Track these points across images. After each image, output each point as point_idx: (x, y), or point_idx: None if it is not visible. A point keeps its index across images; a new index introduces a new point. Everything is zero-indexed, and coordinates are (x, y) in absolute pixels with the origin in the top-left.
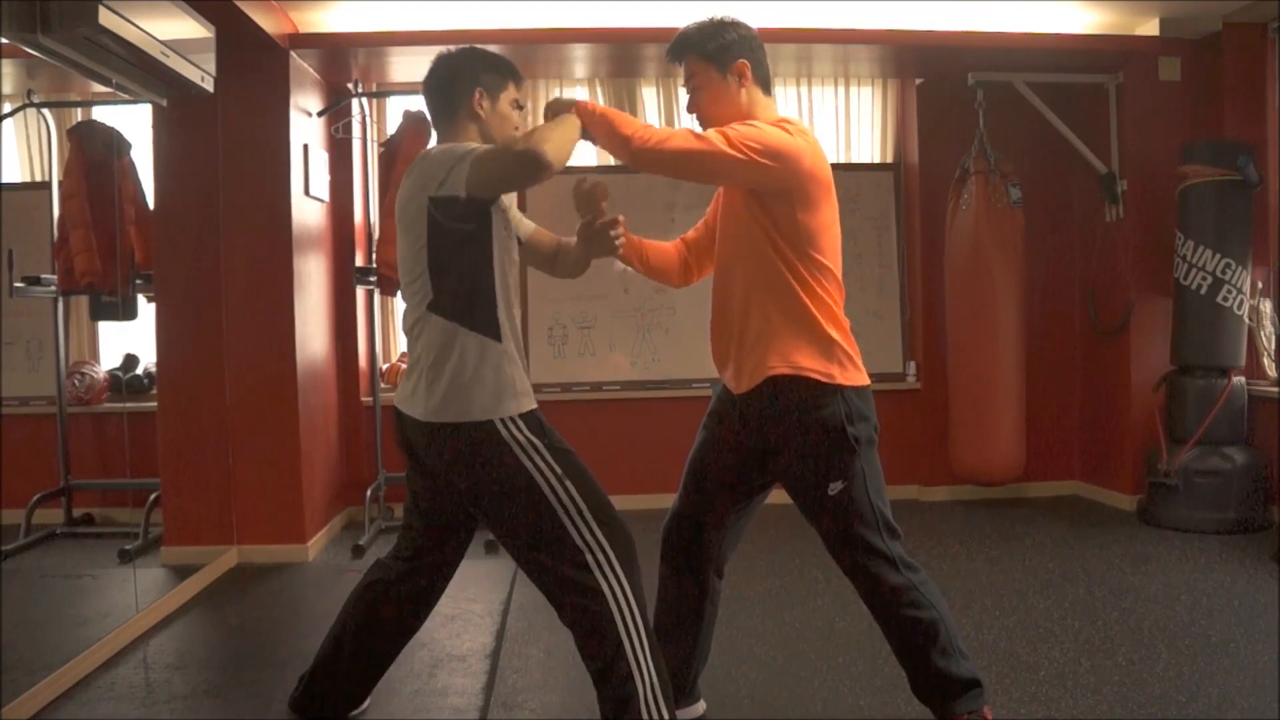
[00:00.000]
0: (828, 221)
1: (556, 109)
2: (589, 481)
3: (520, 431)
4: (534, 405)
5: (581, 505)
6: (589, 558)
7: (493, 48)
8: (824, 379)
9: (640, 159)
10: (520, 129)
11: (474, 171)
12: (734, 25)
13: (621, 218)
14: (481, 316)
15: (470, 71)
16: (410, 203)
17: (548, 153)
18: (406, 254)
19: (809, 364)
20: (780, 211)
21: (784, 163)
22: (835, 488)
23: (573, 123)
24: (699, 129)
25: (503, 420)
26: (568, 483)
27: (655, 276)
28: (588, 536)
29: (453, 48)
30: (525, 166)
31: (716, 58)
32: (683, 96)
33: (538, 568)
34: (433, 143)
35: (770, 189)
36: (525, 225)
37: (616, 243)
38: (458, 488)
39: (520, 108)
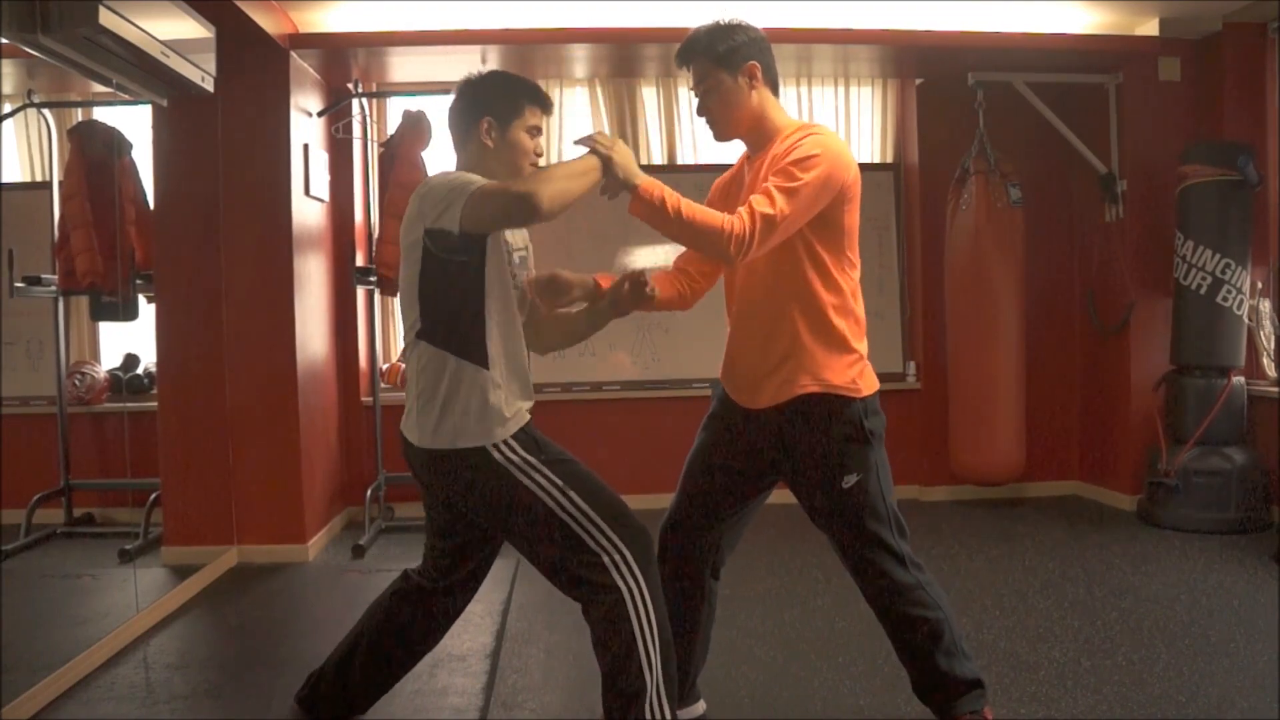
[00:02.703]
0: (858, 219)
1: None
2: (594, 487)
3: (515, 453)
4: (525, 422)
5: (589, 512)
6: (605, 559)
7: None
8: (852, 394)
9: (746, 257)
10: (537, 156)
11: (470, 207)
12: (742, 27)
13: (644, 272)
14: (470, 344)
15: (480, 100)
16: (410, 231)
17: (543, 199)
18: (404, 279)
19: (838, 381)
20: (830, 215)
21: (835, 174)
22: (850, 480)
23: (588, 170)
24: (710, 133)
25: (494, 445)
26: (570, 493)
27: (665, 309)
28: (602, 540)
29: (475, 73)
30: (520, 210)
31: (726, 60)
32: (684, 97)
33: (557, 573)
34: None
35: (829, 202)
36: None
37: (649, 292)
38: (466, 509)
39: (538, 133)
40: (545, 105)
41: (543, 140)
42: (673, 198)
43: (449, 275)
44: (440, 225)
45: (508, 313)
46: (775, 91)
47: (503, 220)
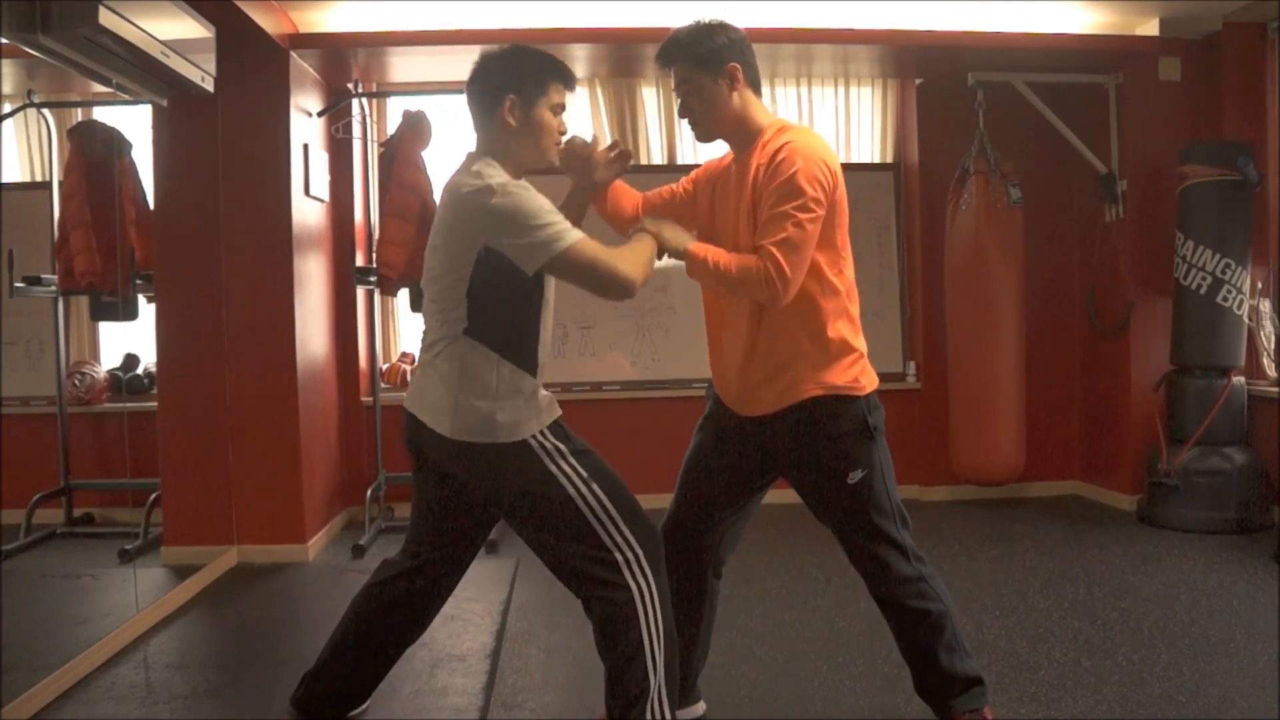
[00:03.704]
0: (846, 212)
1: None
2: (615, 483)
3: (546, 439)
4: (557, 415)
5: (609, 506)
6: (618, 556)
7: (493, 48)
8: (855, 392)
9: (790, 294)
10: (561, 134)
11: (557, 266)
12: (723, 28)
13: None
14: (522, 351)
15: (504, 77)
16: (459, 234)
17: (638, 286)
18: (441, 271)
19: (841, 381)
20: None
21: (829, 184)
22: (855, 476)
23: (653, 252)
24: (691, 135)
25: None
26: (593, 485)
27: (611, 223)
28: (616, 537)
29: (497, 47)
30: (618, 290)
31: (707, 62)
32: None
33: (566, 567)
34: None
35: None
36: None
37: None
38: (479, 494)
39: (562, 111)
40: (570, 82)
41: (566, 118)
42: (713, 256)
43: (506, 283)
44: (515, 256)
45: (549, 319)
46: (757, 91)
47: (589, 286)
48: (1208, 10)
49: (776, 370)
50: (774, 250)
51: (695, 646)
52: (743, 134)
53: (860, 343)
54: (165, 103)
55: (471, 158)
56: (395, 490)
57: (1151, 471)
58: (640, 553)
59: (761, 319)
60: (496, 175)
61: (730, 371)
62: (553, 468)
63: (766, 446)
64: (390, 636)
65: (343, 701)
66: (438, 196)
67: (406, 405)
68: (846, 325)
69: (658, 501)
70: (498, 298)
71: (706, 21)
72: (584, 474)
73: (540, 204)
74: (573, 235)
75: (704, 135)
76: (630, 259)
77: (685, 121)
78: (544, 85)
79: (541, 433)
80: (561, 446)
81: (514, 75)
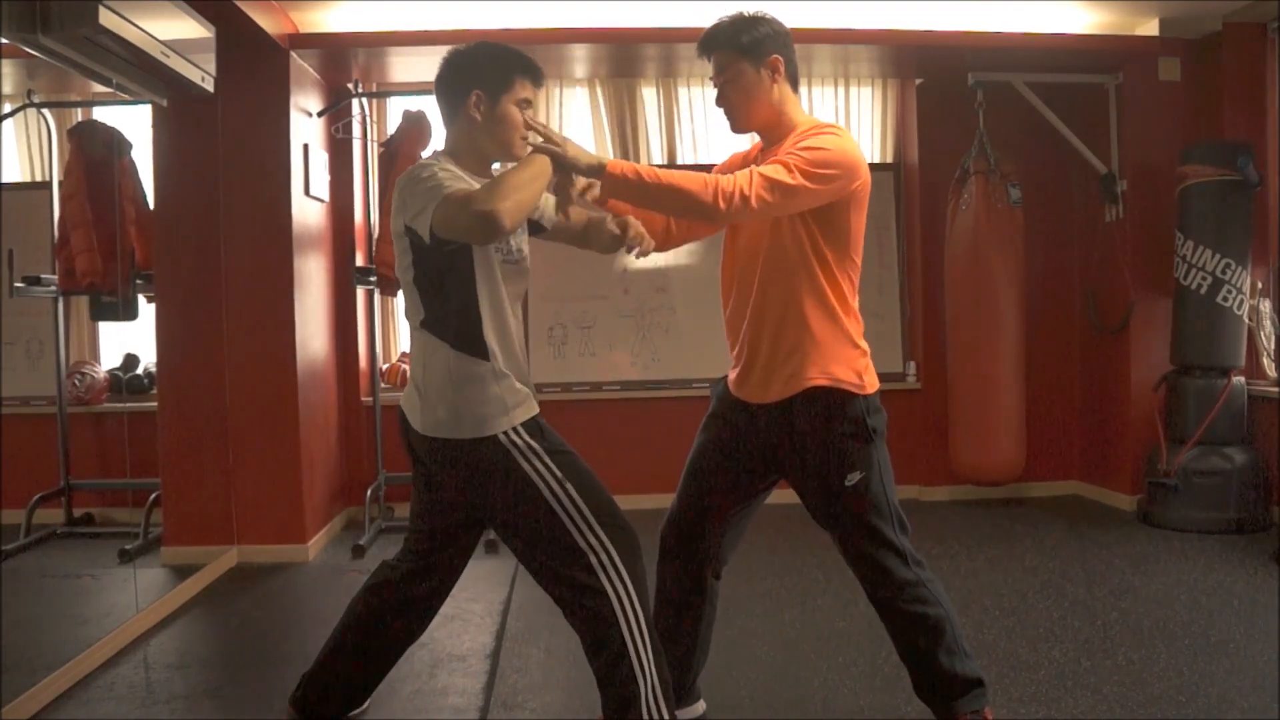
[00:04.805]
0: (864, 223)
1: (557, 158)
2: (590, 483)
3: (519, 437)
4: (531, 414)
5: (582, 507)
6: (592, 559)
7: (459, 47)
8: (856, 390)
9: (736, 214)
10: (529, 129)
11: (437, 218)
12: (767, 20)
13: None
14: (467, 337)
15: (468, 73)
16: (395, 221)
17: (504, 216)
18: (399, 266)
19: (845, 376)
20: (835, 216)
21: (849, 172)
22: (853, 478)
23: (541, 173)
24: (726, 124)
25: (500, 432)
26: (567, 485)
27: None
28: (590, 538)
29: (462, 45)
30: (482, 229)
31: (750, 51)
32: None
33: (542, 569)
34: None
35: (836, 199)
36: (549, 207)
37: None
38: (459, 493)
39: (528, 106)
40: (536, 77)
41: (532, 113)
42: (645, 168)
43: (439, 267)
44: (415, 226)
45: (497, 300)
46: (795, 87)
47: (466, 238)
48: (1208, 10)
49: (785, 355)
50: (758, 174)
51: (695, 646)
52: (778, 129)
53: (865, 344)
54: (165, 103)
55: (435, 155)
56: (395, 490)
57: (1151, 471)
58: (614, 554)
59: (777, 304)
60: (431, 162)
61: (739, 355)
62: (525, 466)
63: (768, 441)
64: (389, 637)
65: (342, 702)
66: None
67: (400, 404)
68: (853, 323)
69: (658, 501)
70: (432, 282)
71: (750, 12)
72: (558, 474)
73: (437, 171)
74: (448, 188)
75: (738, 126)
76: (499, 188)
77: (721, 111)
78: (509, 80)
79: (515, 430)
80: (535, 445)
81: (480, 71)
